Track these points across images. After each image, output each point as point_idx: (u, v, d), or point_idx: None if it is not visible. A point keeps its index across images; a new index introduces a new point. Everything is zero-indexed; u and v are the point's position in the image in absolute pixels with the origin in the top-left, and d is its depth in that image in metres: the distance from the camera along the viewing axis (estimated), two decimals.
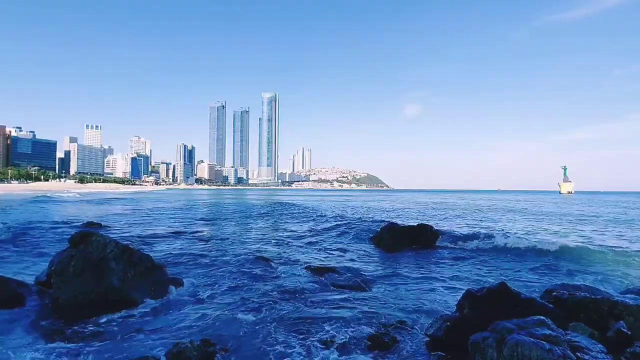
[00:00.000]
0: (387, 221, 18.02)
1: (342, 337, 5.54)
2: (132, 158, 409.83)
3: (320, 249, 14.02)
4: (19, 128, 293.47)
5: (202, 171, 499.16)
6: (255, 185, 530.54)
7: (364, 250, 13.82)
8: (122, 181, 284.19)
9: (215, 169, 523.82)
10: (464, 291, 5.70)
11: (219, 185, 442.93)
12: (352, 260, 12.00)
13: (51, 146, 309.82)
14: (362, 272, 10.14)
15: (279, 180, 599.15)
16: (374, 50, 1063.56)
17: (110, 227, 19.80)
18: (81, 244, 6.85)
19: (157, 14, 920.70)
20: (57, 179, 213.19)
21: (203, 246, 14.13)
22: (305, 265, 10.46)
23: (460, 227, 22.45)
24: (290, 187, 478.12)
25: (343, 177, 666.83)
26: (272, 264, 10.72)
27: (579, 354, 3.69)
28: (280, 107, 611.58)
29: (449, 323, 5.22)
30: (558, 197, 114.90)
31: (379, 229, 16.36)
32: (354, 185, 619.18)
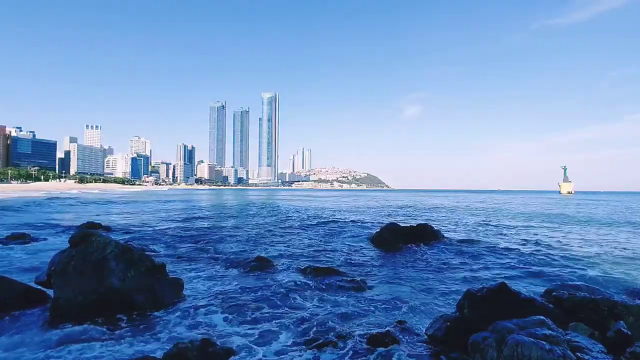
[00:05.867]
0: (387, 221, 18.03)
1: (343, 337, 5.53)
2: (132, 158, 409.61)
3: (320, 250, 14.01)
4: (19, 128, 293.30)
5: (202, 171, 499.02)
6: (256, 185, 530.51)
7: (364, 250, 13.81)
8: (122, 181, 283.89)
9: (215, 169, 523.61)
10: (464, 291, 5.70)
11: (219, 186, 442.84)
12: (352, 260, 12.00)
13: (51, 146, 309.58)
14: (362, 272, 10.14)
15: (279, 181, 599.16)
16: (374, 50, 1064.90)
17: (110, 227, 19.78)
18: (81, 244, 6.84)
19: (157, 13, 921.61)
20: (57, 179, 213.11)
21: (202, 246, 14.12)
22: (306, 265, 10.45)
23: (460, 227, 22.46)
24: (290, 187, 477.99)
25: (343, 177, 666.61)
26: (272, 264, 10.72)
27: (579, 354, 3.70)
28: (280, 107, 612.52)
29: (449, 323, 5.22)
30: (558, 197, 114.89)
31: (379, 229, 16.36)
32: (354, 185, 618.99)
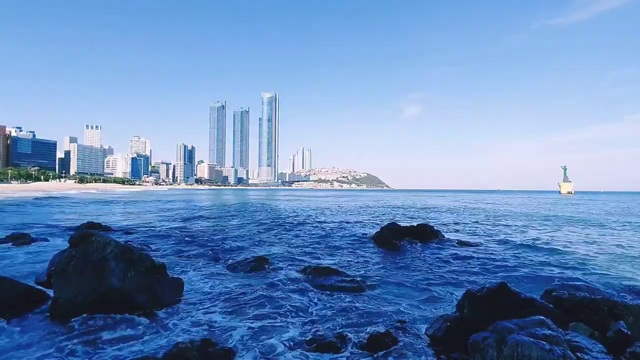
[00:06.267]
0: (387, 220, 18.02)
1: (342, 337, 5.53)
2: (132, 158, 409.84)
3: (320, 249, 14.01)
4: (19, 128, 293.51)
5: (202, 171, 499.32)
6: (256, 185, 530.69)
7: (364, 250, 13.81)
8: (122, 181, 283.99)
9: (215, 169, 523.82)
10: (464, 291, 5.70)
11: (219, 186, 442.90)
12: (352, 259, 11.99)
13: (51, 146, 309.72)
14: (362, 272, 10.13)
15: (279, 181, 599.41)
16: (374, 50, 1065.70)
17: (110, 227, 19.78)
18: (81, 244, 6.84)
19: (157, 13, 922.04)
20: (57, 179, 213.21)
21: (202, 246, 14.12)
22: (306, 265, 10.45)
23: (459, 227, 22.46)
24: (290, 187, 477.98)
25: (343, 177, 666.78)
26: (272, 264, 10.72)
27: (579, 354, 3.70)
28: (280, 107, 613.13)
29: (449, 323, 5.22)
30: (558, 197, 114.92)
31: (379, 228, 16.35)
32: (354, 185, 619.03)
